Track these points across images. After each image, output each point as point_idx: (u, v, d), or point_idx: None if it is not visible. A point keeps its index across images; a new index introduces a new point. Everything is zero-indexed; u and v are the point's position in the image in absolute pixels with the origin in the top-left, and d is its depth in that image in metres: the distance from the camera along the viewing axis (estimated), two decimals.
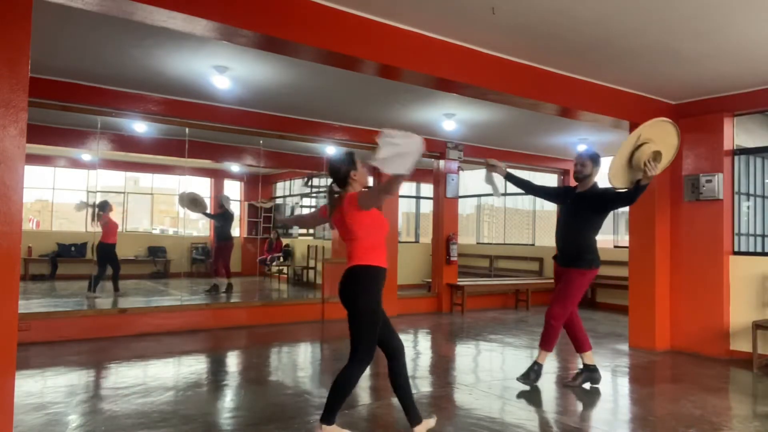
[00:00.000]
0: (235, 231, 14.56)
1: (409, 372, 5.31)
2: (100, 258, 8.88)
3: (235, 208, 14.53)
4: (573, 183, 5.01)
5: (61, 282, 10.63)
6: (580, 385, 4.75)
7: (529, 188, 5.04)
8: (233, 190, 14.43)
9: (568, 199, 4.79)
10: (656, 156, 4.24)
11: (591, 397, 4.64)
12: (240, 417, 3.83)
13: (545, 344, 4.70)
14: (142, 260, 12.16)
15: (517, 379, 4.71)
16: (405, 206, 13.80)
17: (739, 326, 5.91)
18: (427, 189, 12.95)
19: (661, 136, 4.34)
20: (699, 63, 5.15)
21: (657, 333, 6.32)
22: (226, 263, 10.09)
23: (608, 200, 4.60)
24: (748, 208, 6.47)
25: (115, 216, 9.48)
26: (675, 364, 5.77)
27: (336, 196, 3.39)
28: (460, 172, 9.66)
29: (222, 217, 10.22)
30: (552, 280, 11.00)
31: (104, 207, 9.08)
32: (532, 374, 4.73)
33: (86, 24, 4.57)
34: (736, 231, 6.14)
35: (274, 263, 12.53)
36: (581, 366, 4.87)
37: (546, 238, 11.99)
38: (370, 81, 5.65)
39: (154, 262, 12.32)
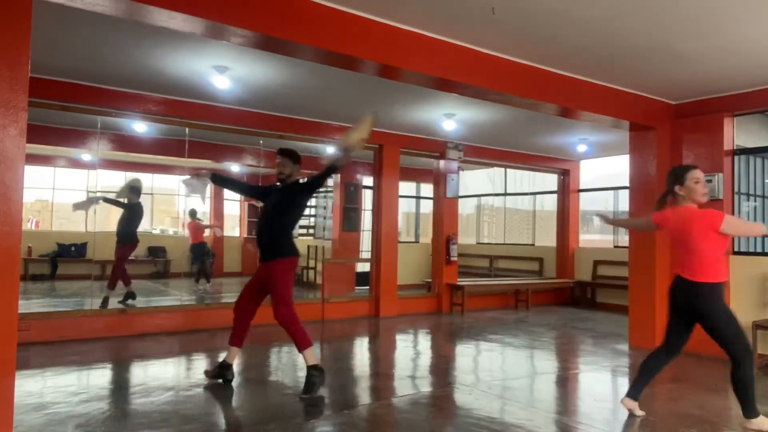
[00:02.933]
0: (235, 231, 14.58)
1: (410, 372, 5.33)
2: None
3: (235, 208, 14.55)
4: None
5: (61, 282, 10.62)
6: (214, 378, 4.62)
7: (238, 187, 5.58)
8: None
9: (272, 194, 4.63)
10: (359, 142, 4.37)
11: (591, 397, 4.64)
12: (240, 417, 3.83)
13: (304, 343, 4.40)
14: (142, 260, 12.14)
15: (302, 396, 4.25)
16: (405, 206, 13.79)
17: None
18: (427, 189, 12.95)
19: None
20: (699, 63, 5.15)
21: (657, 333, 6.30)
22: (122, 266, 8.01)
23: (303, 191, 4.56)
24: (748, 207, 6.46)
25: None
26: (675, 364, 5.71)
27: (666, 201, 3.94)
28: (460, 172, 9.66)
29: (128, 209, 8.11)
30: (553, 280, 11.03)
31: (192, 214, 10.87)
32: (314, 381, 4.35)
33: (86, 24, 4.57)
34: None
35: None
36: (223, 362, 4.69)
37: (546, 238, 12.00)
38: (370, 81, 5.66)
39: (154, 262, 12.32)
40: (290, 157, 4.60)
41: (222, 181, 4.88)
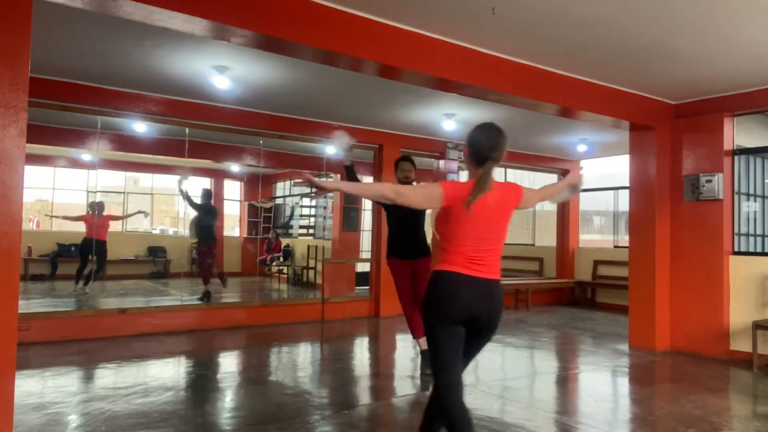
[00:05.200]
0: (235, 231, 14.59)
1: (410, 372, 5.33)
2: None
3: (235, 208, 14.56)
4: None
5: (61, 282, 10.61)
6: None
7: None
8: (233, 190, 14.43)
9: None
10: None
11: (591, 397, 4.64)
12: (240, 417, 3.83)
13: (420, 332, 5.00)
14: (142, 260, 12.15)
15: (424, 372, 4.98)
16: None
17: (739, 326, 5.91)
18: None
19: None
20: (699, 63, 5.15)
21: (657, 333, 6.31)
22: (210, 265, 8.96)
23: None
24: (748, 207, 6.46)
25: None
26: (675, 364, 5.77)
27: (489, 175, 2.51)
28: (460, 172, 9.65)
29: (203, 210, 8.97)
30: (553, 280, 10.99)
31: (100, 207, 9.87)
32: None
33: (86, 24, 4.57)
34: (736, 231, 6.14)
35: (274, 263, 12.53)
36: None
37: (546, 238, 12.00)
38: (370, 81, 5.65)
39: (154, 262, 12.32)
40: (413, 163, 5.21)
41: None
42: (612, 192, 11.07)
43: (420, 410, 4.08)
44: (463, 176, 10.62)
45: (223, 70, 5.71)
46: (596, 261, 10.51)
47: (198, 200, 8.96)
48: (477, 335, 2.53)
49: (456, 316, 2.44)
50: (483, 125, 2.61)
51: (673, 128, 6.51)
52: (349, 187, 2.84)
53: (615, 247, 10.71)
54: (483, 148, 2.52)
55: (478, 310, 2.46)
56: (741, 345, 5.88)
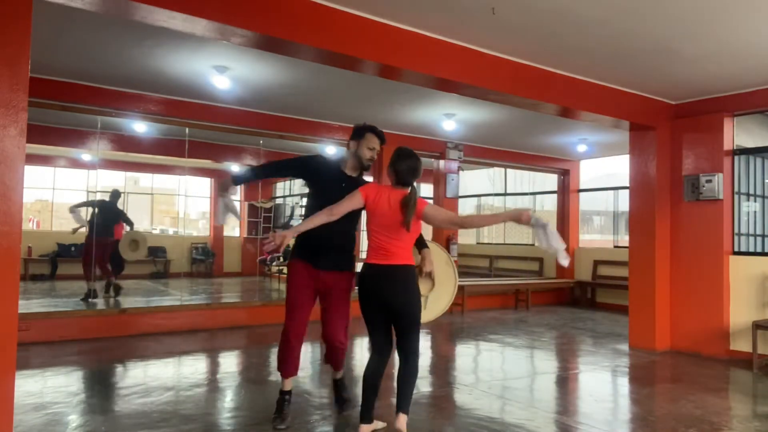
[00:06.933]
0: (235, 231, 14.57)
1: None
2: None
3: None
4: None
5: (61, 282, 10.62)
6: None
7: (272, 169, 4.24)
8: (233, 190, 14.40)
9: (342, 183, 3.59)
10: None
11: (591, 397, 4.64)
12: (240, 417, 3.83)
13: (340, 366, 3.84)
14: (142, 260, 12.14)
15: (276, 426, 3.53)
16: None
17: (739, 326, 5.91)
18: (427, 189, 12.95)
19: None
20: (699, 63, 5.15)
21: (657, 333, 6.31)
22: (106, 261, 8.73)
23: None
24: (748, 207, 6.46)
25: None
26: (675, 364, 5.77)
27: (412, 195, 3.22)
28: (460, 172, 9.66)
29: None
30: (553, 280, 10.97)
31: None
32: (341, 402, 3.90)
33: (86, 24, 4.57)
34: (736, 231, 6.14)
35: (274, 263, 12.52)
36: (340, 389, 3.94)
37: None
38: (370, 81, 5.66)
39: (154, 262, 12.32)
40: (383, 140, 3.66)
41: (246, 178, 4.06)
42: (612, 192, 11.08)
43: (420, 410, 4.09)
44: (463, 176, 10.62)
45: (223, 70, 5.71)
46: (596, 261, 10.51)
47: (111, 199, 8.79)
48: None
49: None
50: (401, 154, 3.27)
51: (673, 128, 6.51)
52: (303, 226, 3.39)
53: (615, 247, 10.71)
54: (401, 174, 3.25)
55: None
56: (741, 345, 5.88)
